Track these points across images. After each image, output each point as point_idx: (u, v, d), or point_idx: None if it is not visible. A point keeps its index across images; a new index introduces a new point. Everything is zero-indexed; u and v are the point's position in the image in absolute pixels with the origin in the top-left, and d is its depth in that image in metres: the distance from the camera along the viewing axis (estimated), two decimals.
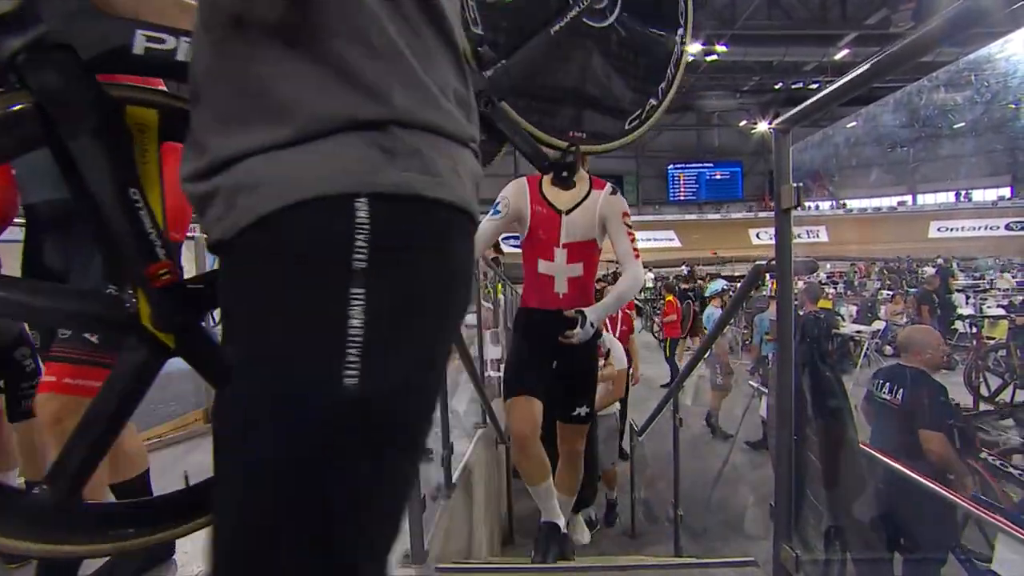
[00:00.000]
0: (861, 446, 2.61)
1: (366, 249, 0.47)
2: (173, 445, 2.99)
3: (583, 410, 2.15)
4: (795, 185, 1.30)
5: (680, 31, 1.57)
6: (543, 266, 2.08)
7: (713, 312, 7.16)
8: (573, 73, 1.32)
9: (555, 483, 2.23)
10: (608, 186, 2.05)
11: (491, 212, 2.16)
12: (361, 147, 0.49)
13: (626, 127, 1.64)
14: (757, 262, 1.73)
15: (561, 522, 2.26)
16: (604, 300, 2.13)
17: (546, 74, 1.26)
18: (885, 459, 2.21)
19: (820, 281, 15.71)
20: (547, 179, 1.98)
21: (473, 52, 1.07)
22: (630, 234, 2.04)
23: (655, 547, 3.88)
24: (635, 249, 2.04)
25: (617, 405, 4.26)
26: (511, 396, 2.13)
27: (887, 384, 2.92)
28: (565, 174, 1.45)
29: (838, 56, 20.84)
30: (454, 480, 2.28)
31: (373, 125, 0.49)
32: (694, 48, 19.52)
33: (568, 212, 2.02)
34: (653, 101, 1.65)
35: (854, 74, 1.18)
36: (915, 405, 2.71)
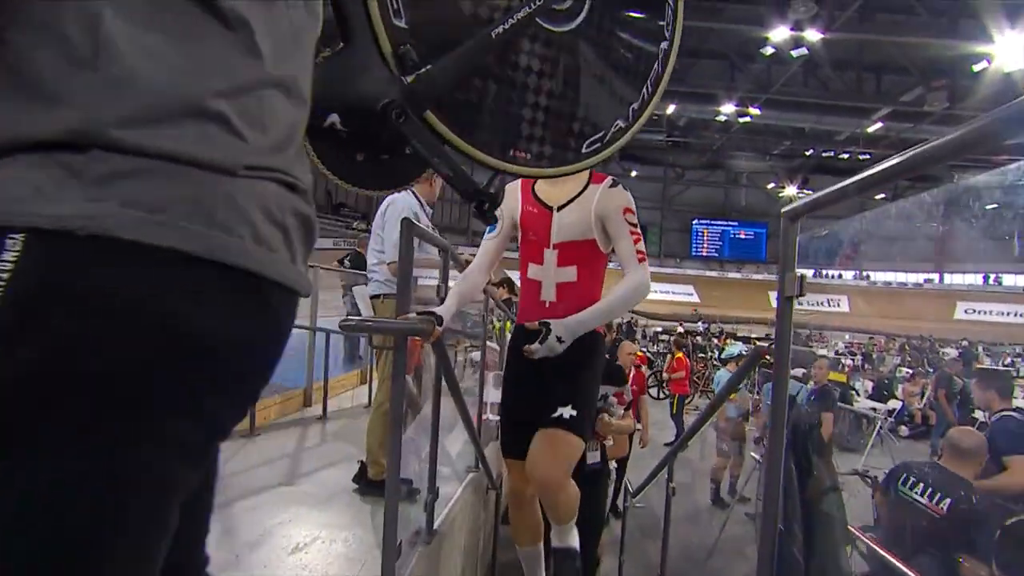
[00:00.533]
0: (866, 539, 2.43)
1: None
2: None
3: (567, 411, 1.69)
4: (799, 273, 1.29)
5: (664, 44, 1.32)
6: (531, 271, 1.83)
7: (725, 375, 7.03)
8: (521, 84, 1.11)
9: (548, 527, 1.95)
10: (609, 179, 1.80)
11: (487, 230, 1.92)
12: (35, 171, 0.38)
13: (584, 150, 1.32)
14: (758, 344, 1.70)
15: None
16: (590, 309, 1.70)
17: (485, 83, 1.07)
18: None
19: (837, 351, 15.38)
20: None
21: (393, 51, 0.89)
22: (633, 233, 1.76)
23: None
24: (639, 251, 1.74)
25: (613, 463, 4.02)
26: (505, 449, 1.97)
27: (926, 487, 2.54)
28: (486, 206, 1.14)
29: (871, 128, 20.96)
30: (436, 526, 2.23)
31: (61, 146, 0.38)
32: (727, 108, 19.83)
33: (560, 208, 1.79)
34: (621, 123, 1.33)
35: (871, 172, 1.16)
36: (964, 521, 2.39)
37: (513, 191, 1.89)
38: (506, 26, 1.01)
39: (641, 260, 1.74)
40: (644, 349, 11.43)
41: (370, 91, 0.92)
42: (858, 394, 8.70)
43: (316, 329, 4.80)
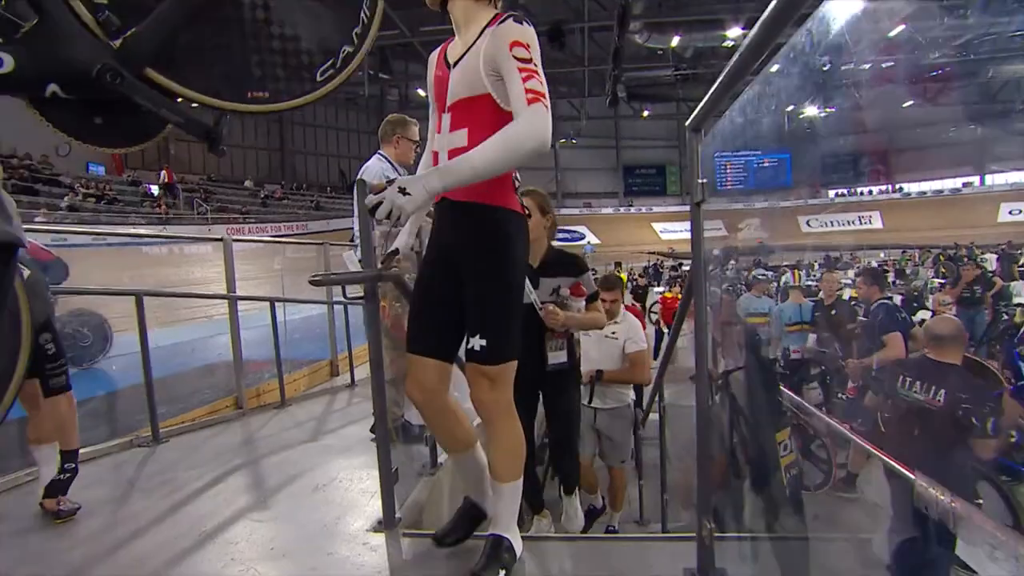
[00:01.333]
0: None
1: None
2: (206, 428, 3.32)
3: (477, 342, 1.44)
4: (702, 181, 1.41)
5: None
6: (435, 143, 1.58)
7: (747, 301, 6.92)
8: (238, 29, 1.19)
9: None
10: (504, 17, 1.43)
11: None
12: None
13: (319, 79, 1.42)
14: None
15: (485, 505, 1.70)
16: (461, 157, 1.35)
17: (198, 33, 1.15)
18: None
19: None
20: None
21: (94, 20, 0.97)
22: (524, 70, 1.35)
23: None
24: (530, 90, 1.34)
25: (632, 395, 3.66)
26: (410, 343, 1.57)
27: (921, 383, 2.53)
28: (213, 141, 1.21)
29: (894, 32, 19.78)
30: (440, 460, 2.47)
31: None
32: (734, 32, 18.99)
33: (455, 64, 1.49)
34: (348, 48, 1.46)
35: (743, 49, 1.13)
36: (962, 408, 2.36)
37: (431, 60, 1.61)
38: None
39: (532, 101, 1.33)
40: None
41: (82, 58, 1.01)
42: None
43: (333, 303, 5.05)
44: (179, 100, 1.24)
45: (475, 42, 1.44)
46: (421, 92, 28.67)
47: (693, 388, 1.53)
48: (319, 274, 1.53)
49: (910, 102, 23.63)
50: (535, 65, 1.38)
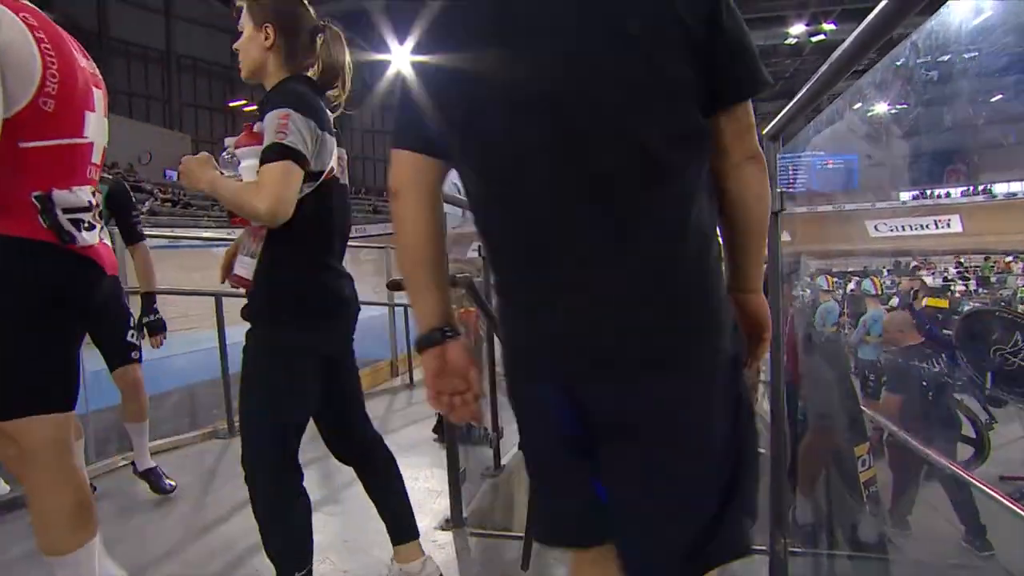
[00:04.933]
0: None
1: None
2: None
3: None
4: (779, 191, 1.38)
5: None
6: None
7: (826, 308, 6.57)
8: None
9: None
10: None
11: None
12: None
13: None
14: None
15: None
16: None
17: None
18: None
19: (946, 277, 14.10)
20: None
21: None
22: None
23: None
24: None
25: None
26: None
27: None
28: None
29: (978, 20, 18.54)
30: (503, 462, 2.50)
31: None
32: (796, 29, 18.30)
33: None
34: None
35: (837, 57, 1.10)
36: None
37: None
38: None
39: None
40: None
41: None
42: None
43: (394, 305, 5.21)
44: None
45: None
46: None
47: (766, 396, 1.50)
48: (397, 278, 1.59)
49: (998, 95, 22.04)
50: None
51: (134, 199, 2.48)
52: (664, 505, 0.74)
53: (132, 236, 2.34)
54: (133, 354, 2.19)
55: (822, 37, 19.27)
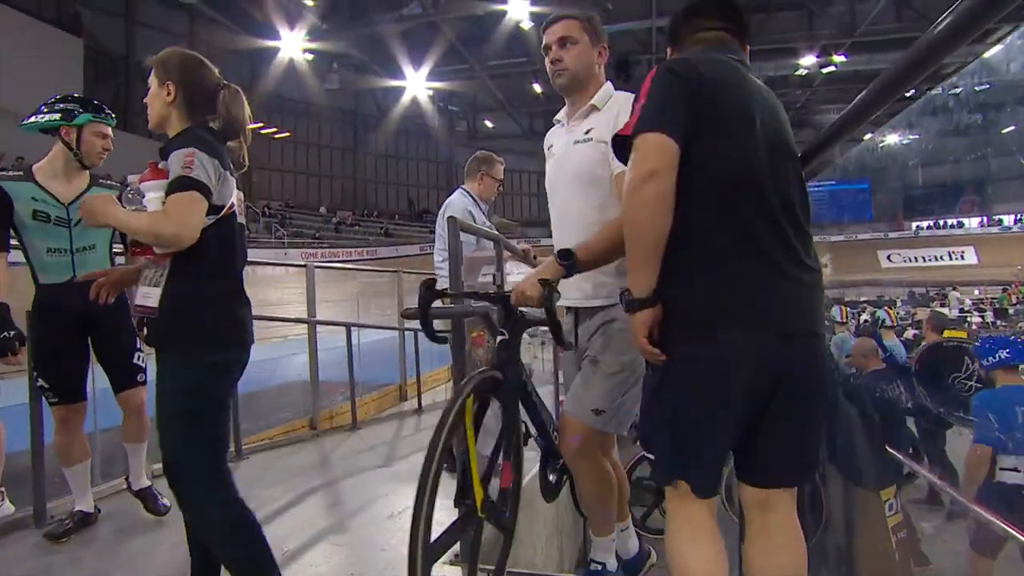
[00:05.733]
0: None
1: None
2: (283, 447, 3.44)
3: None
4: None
5: None
6: None
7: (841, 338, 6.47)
8: None
9: None
10: None
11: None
12: None
13: None
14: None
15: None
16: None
17: None
18: None
19: (963, 308, 13.88)
20: None
21: None
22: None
23: None
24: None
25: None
26: None
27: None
28: None
29: (988, 54, 18.59)
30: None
31: None
32: (807, 60, 18.46)
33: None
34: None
35: (865, 94, 1.16)
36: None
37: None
38: None
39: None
40: None
41: None
42: None
43: (404, 330, 5.17)
44: None
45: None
46: (489, 124, 29.50)
47: None
48: (411, 308, 1.56)
49: (1011, 127, 22.02)
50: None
51: None
52: (810, 429, 1.18)
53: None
54: (140, 377, 2.17)
55: (832, 69, 19.42)
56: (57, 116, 2.01)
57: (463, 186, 2.98)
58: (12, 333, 1.94)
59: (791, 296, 1.11)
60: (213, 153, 1.41)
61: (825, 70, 19.61)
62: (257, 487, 2.66)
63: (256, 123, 26.24)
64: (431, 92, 24.51)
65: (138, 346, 2.16)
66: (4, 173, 2.06)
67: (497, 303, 1.45)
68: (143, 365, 2.17)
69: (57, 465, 2.14)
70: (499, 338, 1.44)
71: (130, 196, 1.53)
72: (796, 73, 20.37)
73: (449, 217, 1.85)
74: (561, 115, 1.69)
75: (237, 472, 2.93)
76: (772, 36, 18.97)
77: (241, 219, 1.58)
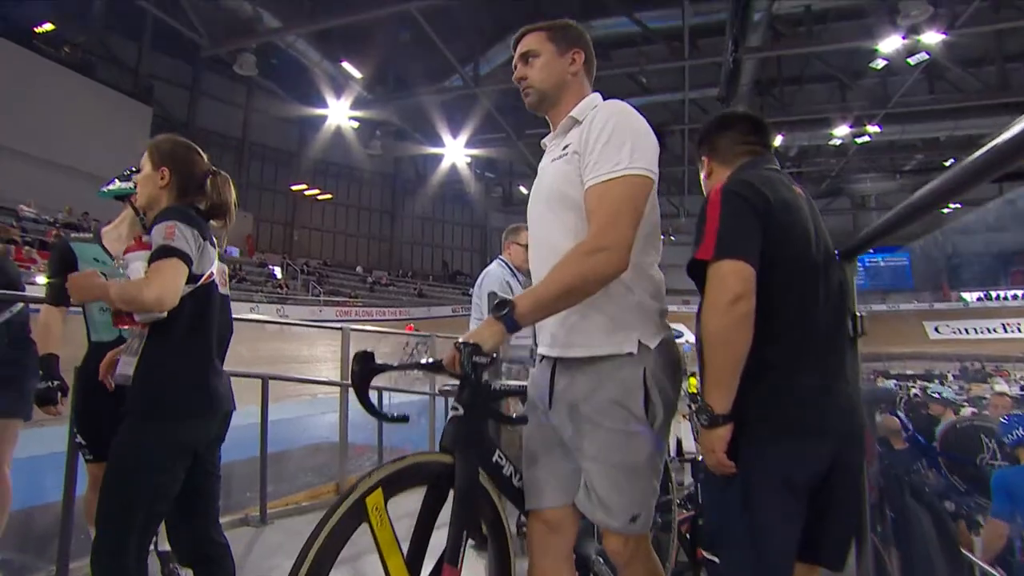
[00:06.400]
0: None
1: None
2: (309, 512, 3.34)
3: None
4: (860, 314, 1.30)
5: None
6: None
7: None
8: None
9: None
10: None
11: None
12: None
13: None
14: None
15: None
16: None
17: None
18: None
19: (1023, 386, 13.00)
20: None
21: None
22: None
23: None
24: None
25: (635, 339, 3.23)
26: None
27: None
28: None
29: None
30: None
31: None
32: (841, 131, 18.58)
33: None
34: None
35: (926, 191, 1.13)
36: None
37: None
38: None
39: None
40: None
41: None
42: None
43: (435, 394, 5.11)
44: None
45: None
46: (523, 190, 30.31)
47: None
48: (449, 384, 1.52)
49: None
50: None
51: None
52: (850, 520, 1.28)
53: None
54: None
55: (867, 139, 19.46)
56: (130, 185, 2.13)
57: (501, 256, 3.02)
58: (56, 383, 1.98)
59: (848, 397, 1.25)
60: (194, 224, 1.47)
61: (859, 140, 19.66)
62: (279, 555, 2.56)
63: (301, 184, 27.59)
64: (469, 159, 25.46)
65: None
66: (78, 235, 2.20)
67: (437, 373, 1.27)
68: None
69: (84, 522, 2.11)
70: (451, 413, 1.24)
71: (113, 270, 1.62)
72: (830, 143, 20.48)
73: (490, 292, 1.84)
74: (547, 137, 1.43)
75: (260, 538, 2.87)
76: (804, 107, 19.27)
77: (224, 290, 1.62)
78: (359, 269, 28.69)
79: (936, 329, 24.32)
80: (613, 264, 1.14)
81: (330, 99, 19.71)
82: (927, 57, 15.13)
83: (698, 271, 1.22)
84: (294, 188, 27.51)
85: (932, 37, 14.11)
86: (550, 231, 1.30)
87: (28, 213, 15.13)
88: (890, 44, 14.63)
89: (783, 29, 15.66)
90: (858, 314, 1.32)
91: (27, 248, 12.40)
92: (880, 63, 15.71)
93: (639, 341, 1.21)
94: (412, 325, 18.79)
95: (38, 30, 17.41)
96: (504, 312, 1.14)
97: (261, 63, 17.06)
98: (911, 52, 14.93)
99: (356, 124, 22.03)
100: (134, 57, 21.03)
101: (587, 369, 1.23)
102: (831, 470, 1.20)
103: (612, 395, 1.20)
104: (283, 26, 16.01)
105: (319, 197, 28.28)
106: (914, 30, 13.94)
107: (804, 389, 1.19)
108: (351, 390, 3.98)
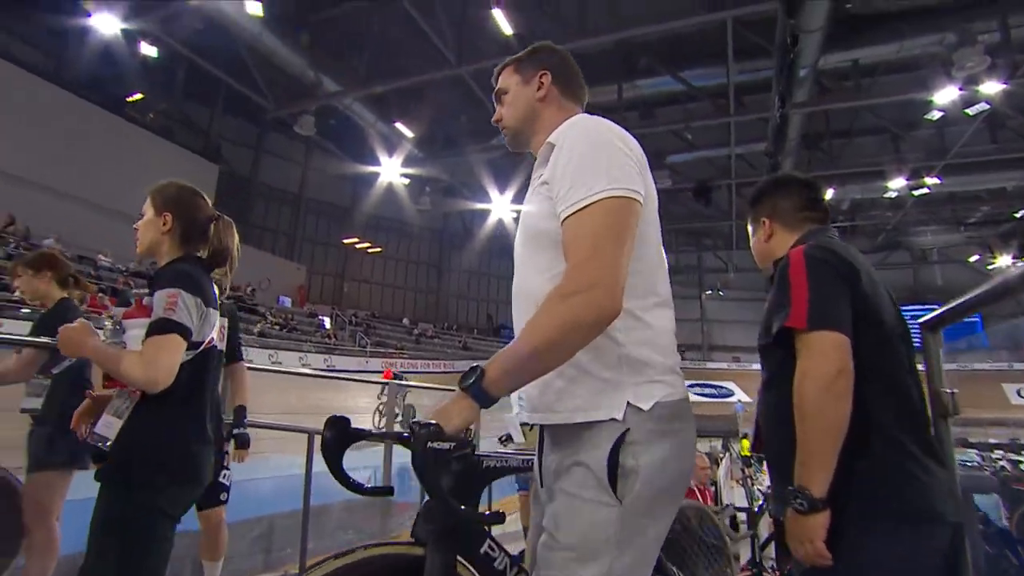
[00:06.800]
0: None
1: None
2: None
3: None
4: (952, 391, 1.16)
5: None
6: None
7: None
8: None
9: None
10: None
11: None
12: None
13: None
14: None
15: None
16: None
17: None
18: None
19: None
20: None
21: None
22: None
23: None
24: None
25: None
26: None
27: None
28: None
29: None
30: None
31: None
32: (897, 183, 17.98)
33: None
34: None
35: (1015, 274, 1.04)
36: None
37: None
38: None
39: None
40: None
41: None
42: None
43: (481, 455, 4.97)
44: None
45: None
46: None
47: None
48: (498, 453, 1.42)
49: None
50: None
51: (246, 320, 2.67)
52: None
53: (233, 356, 2.45)
54: (223, 495, 2.15)
55: (925, 191, 18.74)
56: None
57: None
58: (246, 431, 2.24)
59: (952, 479, 1.20)
60: (197, 291, 1.42)
61: (917, 192, 18.94)
62: None
63: (352, 238, 28.65)
64: (514, 214, 25.95)
65: (225, 463, 2.17)
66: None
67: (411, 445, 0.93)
68: (228, 484, 2.17)
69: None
70: (425, 499, 1.03)
71: (112, 328, 1.57)
72: (885, 195, 19.81)
73: None
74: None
75: None
76: (855, 160, 18.84)
77: (220, 345, 1.60)
78: (405, 321, 29.13)
79: (1019, 393, 22.40)
80: (596, 306, 0.90)
81: (383, 157, 20.69)
82: (987, 107, 14.60)
83: (783, 338, 1.19)
84: (346, 241, 28.60)
85: (991, 87, 13.64)
86: (525, 276, 1.10)
87: (104, 262, 16.22)
88: (946, 95, 14.18)
89: (830, 84, 15.53)
90: (947, 390, 1.20)
91: (100, 295, 13.19)
92: (936, 114, 15.26)
93: (628, 403, 0.97)
94: (390, 370, 18.08)
95: (129, 99, 19.31)
96: (471, 382, 0.91)
97: (320, 123, 18.15)
98: (969, 103, 14.45)
99: (407, 181, 22.94)
100: (206, 120, 22.87)
101: (568, 435, 1.02)
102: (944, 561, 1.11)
103: (578, 456, 0.98)
104: (341, 90, 17.13)
105: (370, 250, 29.25)
106: (971, 80, 13.51)
107: (914, 469, 1.11)
108: (394, 445, 3.94)
